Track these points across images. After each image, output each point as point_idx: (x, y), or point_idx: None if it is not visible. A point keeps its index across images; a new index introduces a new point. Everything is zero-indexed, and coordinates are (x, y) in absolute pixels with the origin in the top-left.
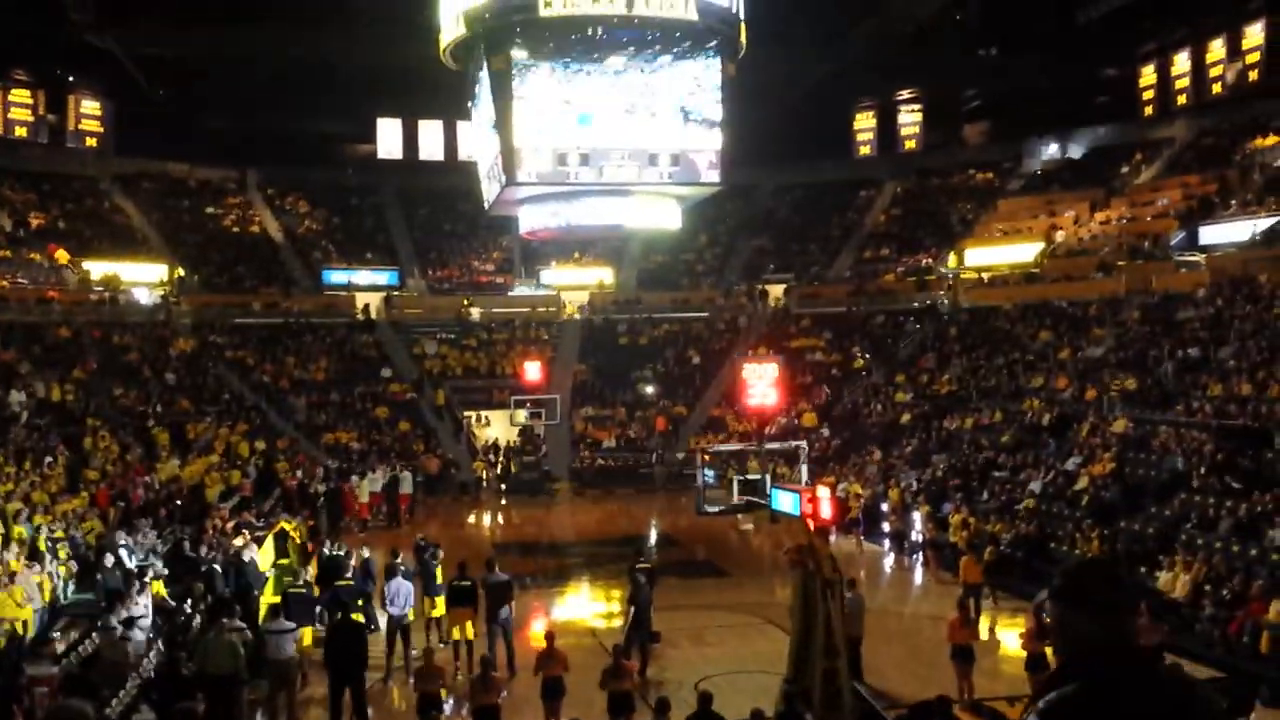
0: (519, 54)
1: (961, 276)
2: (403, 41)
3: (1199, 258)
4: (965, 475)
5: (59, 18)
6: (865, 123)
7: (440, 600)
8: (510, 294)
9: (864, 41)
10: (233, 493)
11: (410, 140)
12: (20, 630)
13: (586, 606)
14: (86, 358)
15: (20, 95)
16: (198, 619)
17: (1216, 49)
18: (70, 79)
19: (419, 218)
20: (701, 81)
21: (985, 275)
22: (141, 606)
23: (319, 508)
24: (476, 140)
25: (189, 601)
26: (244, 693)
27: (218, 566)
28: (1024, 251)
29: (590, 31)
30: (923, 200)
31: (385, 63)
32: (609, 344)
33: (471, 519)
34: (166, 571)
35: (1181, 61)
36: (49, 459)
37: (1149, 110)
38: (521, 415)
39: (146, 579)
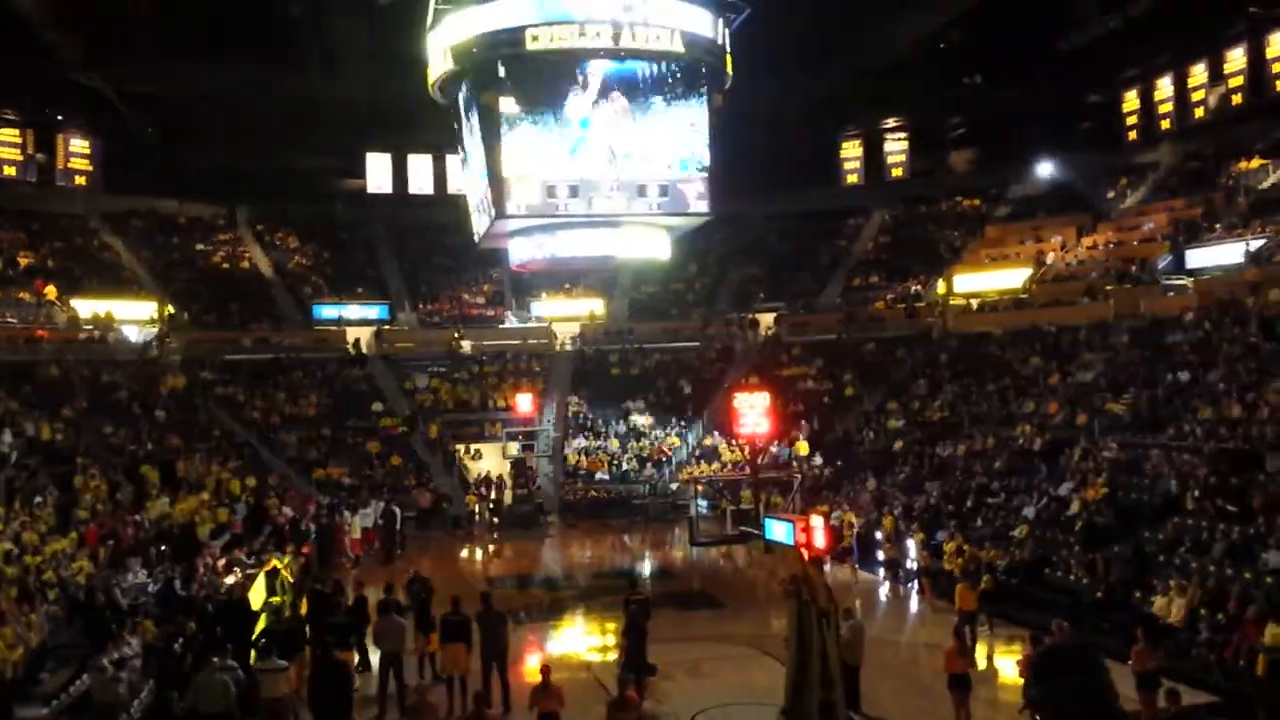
0: (507, 106)
1: (951, 303)
2: (391, 76)
3: (1187, 281)
4: (959, 502)
5: (48, 57)
6: (852, 151)
7: (433, 636)
8: (501, 326)
9: (849, 71)
10: (223, 530)
11: (400, 174)
12: (10, 671)
13: (581, 640)
14: (76, 396)
15: (9, 134)
16: (189, 658)
17: (1199, 74)
18: (59, 118)
19: (409, 251)
20: (693, 121)
21: (974, 301)
22: (132, 646)
23: (312, 544)
24: (465, 174)
25: (180, 641)
26: None
27: (209, 605)
28: (1012, 277)
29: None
30: (911, 228)
31: (374, 97)
32: (601, 375)
33: (464, 553)
34: (157, 611)
35: (1164, 86)
36: (38, 498)
37: (1133, 135)
38: (514, 448)
39: (137, 618)
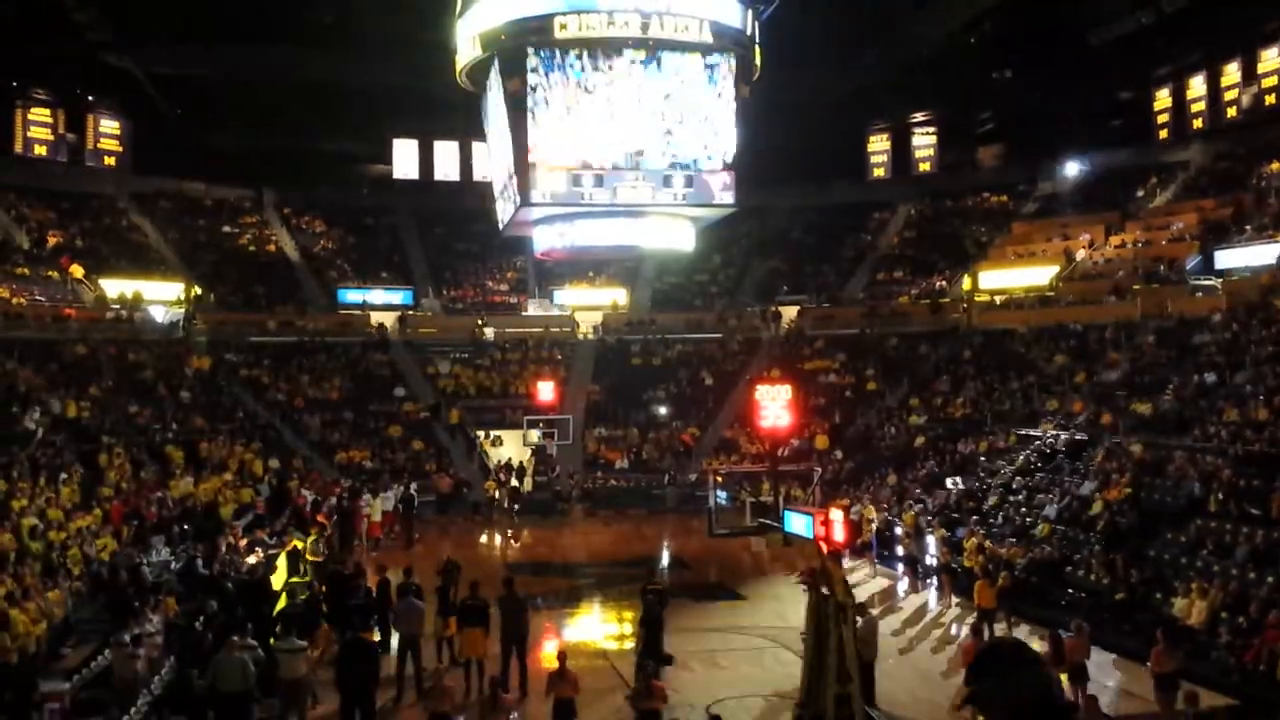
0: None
1: (976, 299)
2: (419, 63)
3: (1215, 282)
4: (980, 499)
5: (78, 38)
6: (880, 145)
7: (452, 620)
8: (524, 314)
9: (879, 64)
10: (246, 510)
11: (426, 161)
12: (34, 646)
13: (598, 628)
14: (102, 375)
15: (40, 114)
16: (210, 637)
17: (1232, 73)
18: (89, 98)
19: (434, 237)
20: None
21: (999, 298)
22: (154, 623)
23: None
24: (491, 161)
25: (201, 619)
26: (254, 711)
27: (230, 584)
28: (1038, 274)
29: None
30: (937, 223)
31: (401, 84)
32: (622, 365)
33: (483, 539)
34: (179, 589)
35: (1197, 85)
36: (64, 476)
37: (1164, 134)
38: (534, 435)
39: (160, 596)
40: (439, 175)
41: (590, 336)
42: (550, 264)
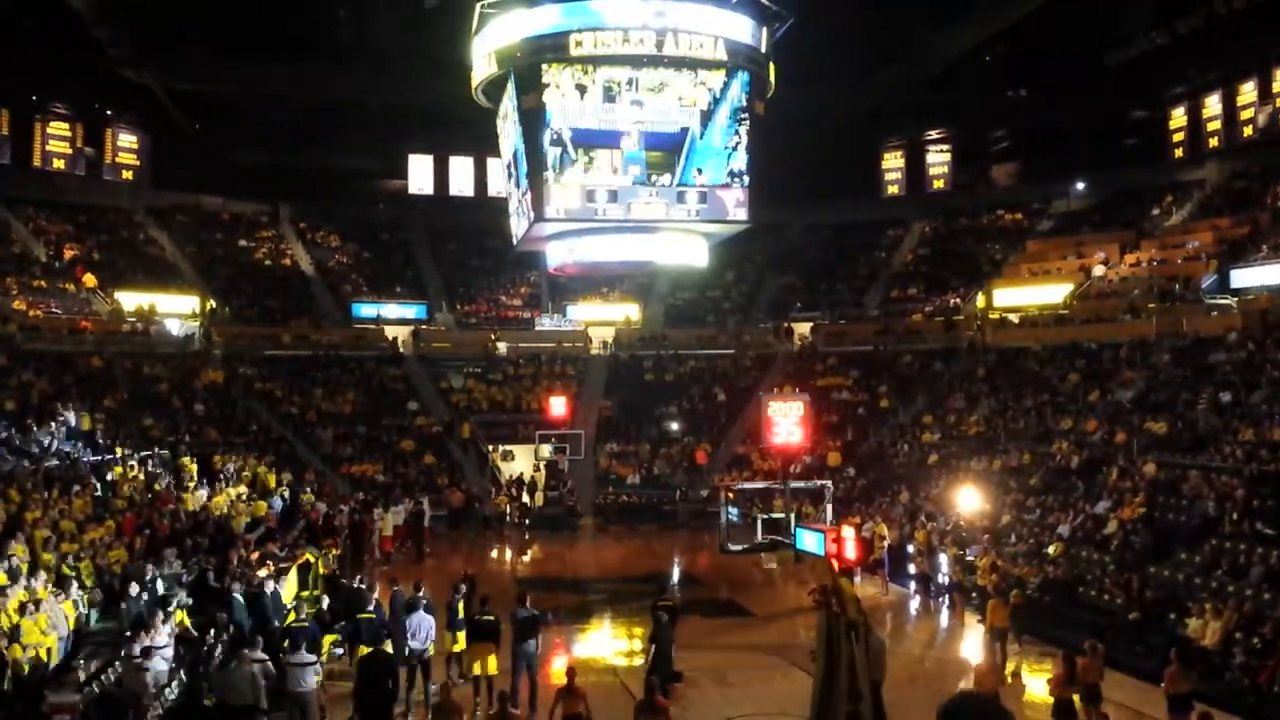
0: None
1: (990, 317)
2: (434, 79)
3: (1231, 301)
4: (993, 518)
5: (98, 52)
6: (894, 162)
7: (461, 635)
8: (537, 329)
9: (893, 81)
10: (258, 524)
11: (441, 176)
12: (44, 657)
13: (608, 644)
14: (117, 387)
15: (59, 128)
16: (220, 650)
17: (1248, 91)
18: (108, 112)
19: (448, 252)
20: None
21: (1014, 316)
22: (164, 636)
23: (344, 539)
24: (505, 177)
25: (212, 632)
26: None
27: (239, 596)
28: (1053, 293)
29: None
30: (951, 240)
31: (417, 100)
32: (634, 380)
33: (494, 554)
34: (191, 601)
35: (1212, 104)
36: (76, 487)
37: (1179, 152)
38: (546, 450)
39: (171, 608)
40: (454, 191)
41: (603, 352)
42: (563, 279)
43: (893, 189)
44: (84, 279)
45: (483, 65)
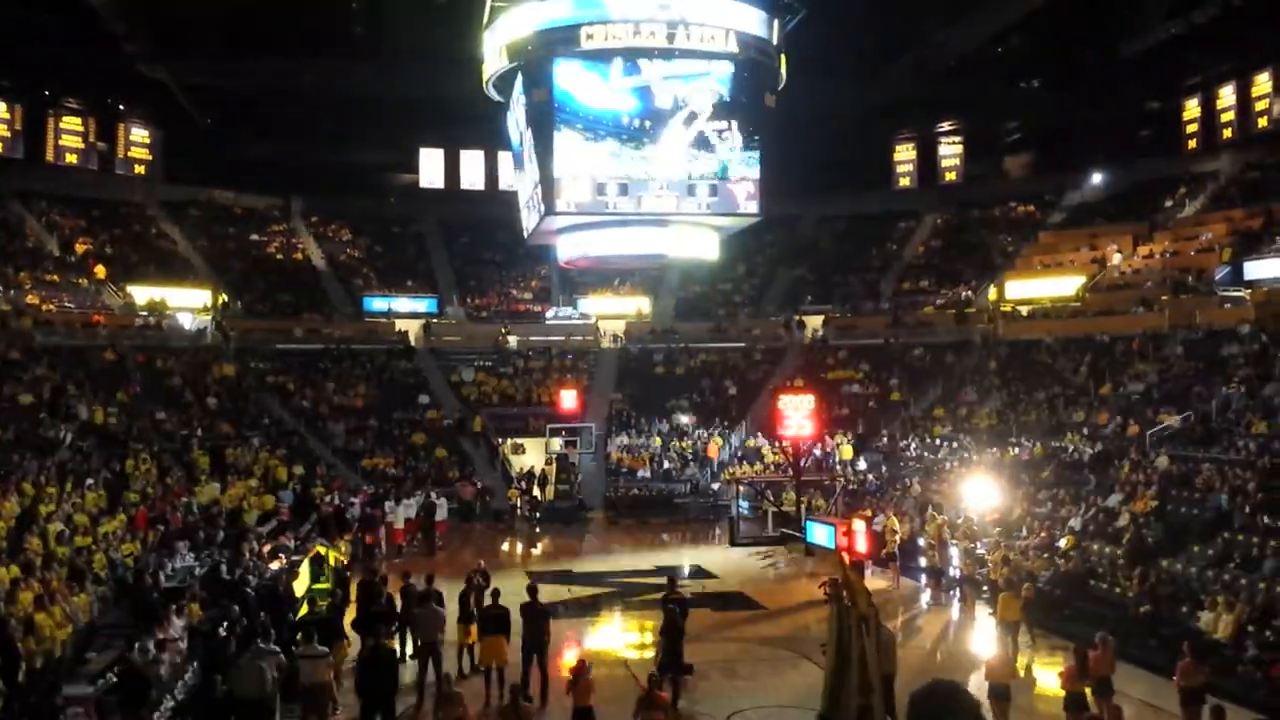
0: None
1: (1002, 309)
2: (446, 73)
3: (1244, 293)
4: (1004, 511)
5: (112, 47)
6: (906, 154)
7: (473, 628)
8: (547, 322)
9: (906, 74)
10: (270, 516)
11: (452, 170)
12: (58, 650)
13: (619, 637)
14: (130, 381)
15: (72, 122)
16: (233, 642)
17: (1262, 83)
18: (121, 107)
19: (459, 246)
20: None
21: (1026, 308)
22: (177, 629)
23: (356, 533)
24: (516, 170)
25: (225, 625)
26: (275, 717)
27: (251, 589)
28: (1066, 285)
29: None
30: (963, 232)
31: (429, 94)
32: (645, 373)
33: (505, 547)
34: (203, 594)
35: (1227, 95)
36: (90, 481)
37: (1193, 144)
38: (556, 443)
39: (183, 601)
40: (465, 184)
41: (613, 345)
42: (574, 272)
43: (905, 181)
44: (94, 270)
45: (494, 59)
